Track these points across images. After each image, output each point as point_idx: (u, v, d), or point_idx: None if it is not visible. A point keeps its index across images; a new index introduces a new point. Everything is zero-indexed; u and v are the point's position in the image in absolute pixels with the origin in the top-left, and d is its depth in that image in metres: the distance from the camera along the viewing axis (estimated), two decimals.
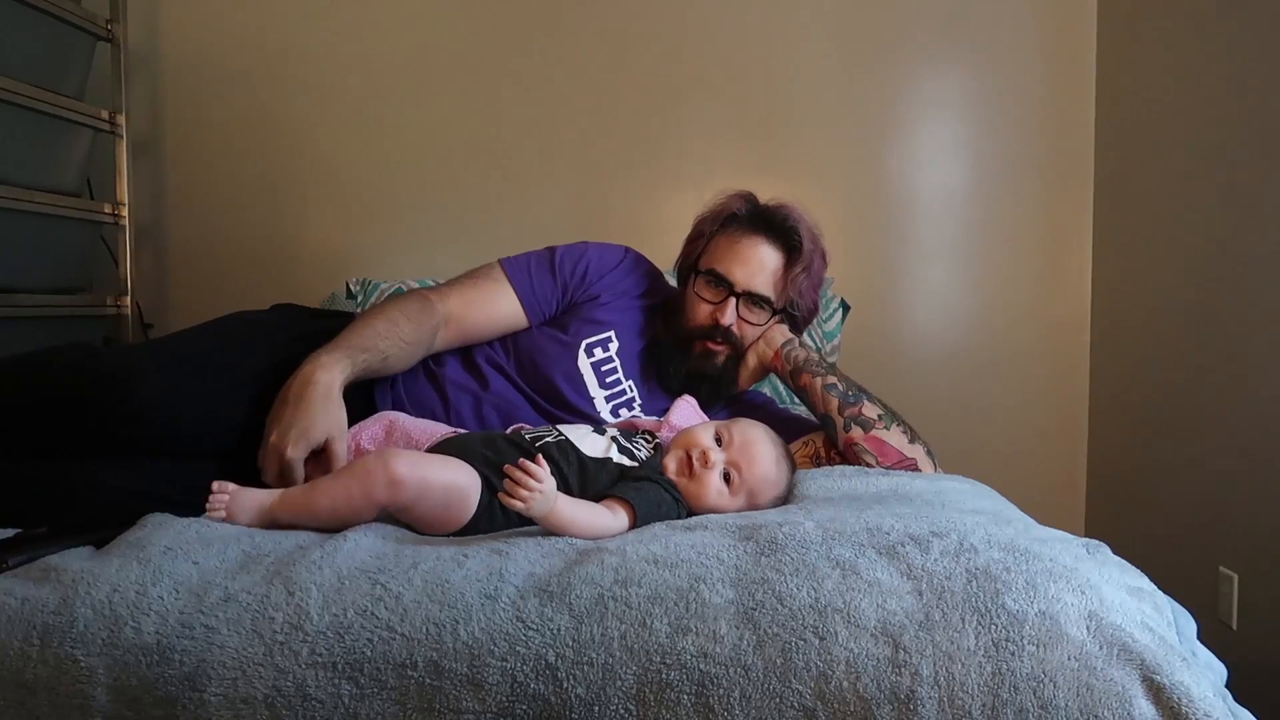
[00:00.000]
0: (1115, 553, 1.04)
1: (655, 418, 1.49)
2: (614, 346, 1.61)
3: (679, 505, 1.18)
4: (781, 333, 1.64)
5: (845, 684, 0.83)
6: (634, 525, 1.10)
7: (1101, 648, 0.85)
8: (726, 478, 1.21)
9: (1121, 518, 2.53)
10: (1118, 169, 2.54)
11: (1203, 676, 0.86)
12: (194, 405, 1.31)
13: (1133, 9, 2.47)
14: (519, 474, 1.00)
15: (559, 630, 0.88)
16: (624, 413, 1.58)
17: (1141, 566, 1.02)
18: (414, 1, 2.65)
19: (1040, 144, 2.64)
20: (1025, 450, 2.67)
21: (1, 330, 2.17)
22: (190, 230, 2.72)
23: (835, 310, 2.24)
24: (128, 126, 2.53)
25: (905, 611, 0.88)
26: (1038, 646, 0.85)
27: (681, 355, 1.60)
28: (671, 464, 1.21)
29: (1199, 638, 0.99)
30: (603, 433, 1.26)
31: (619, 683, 0.85)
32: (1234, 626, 2.01)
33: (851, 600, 0.89)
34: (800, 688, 0.84)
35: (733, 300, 1.59)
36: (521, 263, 1.64)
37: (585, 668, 0.85)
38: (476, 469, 1.12)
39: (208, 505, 1.08)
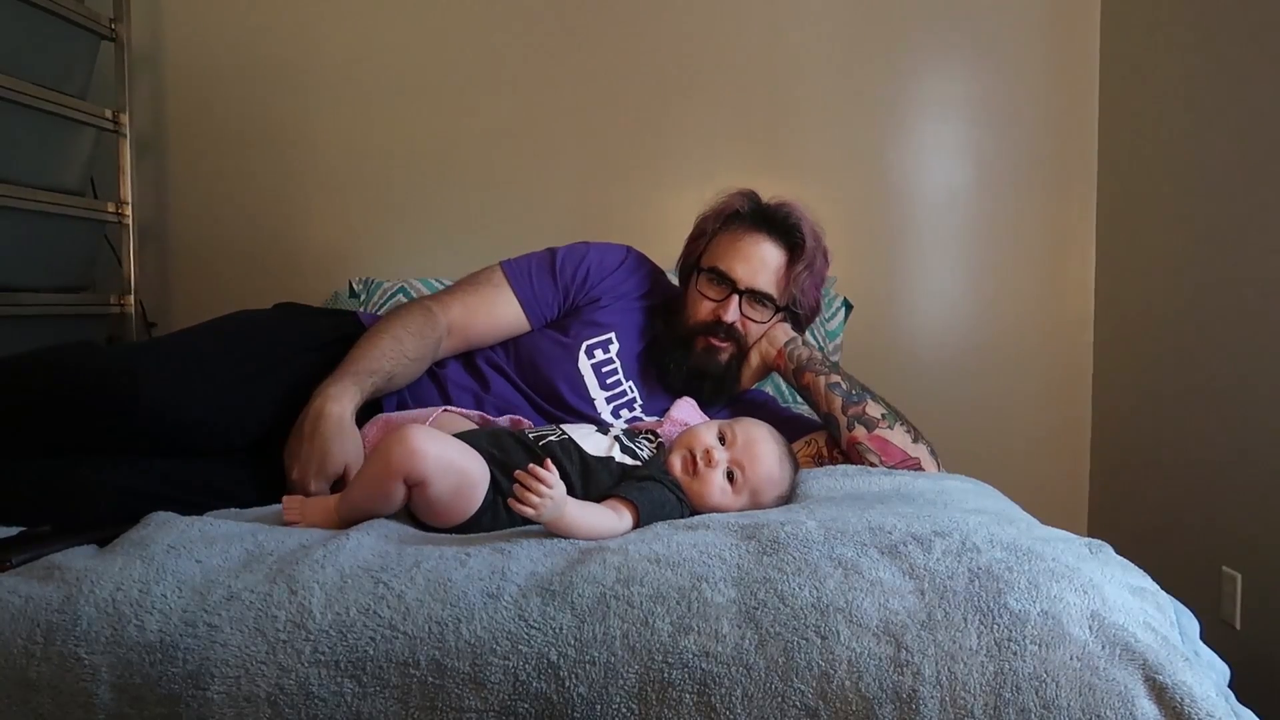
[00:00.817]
0: (1118, 552, 1.04)
1: (656, 417, 1.49)
2: (615, 348, 1.61)
3: (682, 504, 1.18)
4: (784, 331, 1.64)
5: (847, 683, 0.84)
6: (637, 525, 1.10)
7: (1104, 647, 0.85)
8: (730, 477, 1.21)
9: (1124, 517, 2.52)
10: (1121, 168, 2.54)
11: (1205, 676, 0.86)
12: (198, 404, 1.32)
13: (1136, 7, 2.47)
14: (529, 479, 1.00)
15: (561, 629, 0.88)
16: (625, 414, 1.58)
17: (1144, 566, 1.02)
18: (417, 2, 2.65)
19: (1044, 143, 2.63)
20: (1028, 450, 2.67)
21: (4, 329, 2.17)
22: (193, 229, 2.71)
23: (838, 309, 2.24)
24: (131, 125, 2.53)
25: (907, 611, 0.88)
26: (1040, 646, 0.84)
27: (684, 352, 1.60)
28: (676, 462, 1.21)
29: (1202, 637, 0.99)
30: (605, 432, 1.26)
31: (621, 681, 0.85)
32: (1237, 626, 2.01)
33: (854, 599, 0.89)
34: (802, 687, 0.84)
35: (735, 298, 1.59)
36: (522, 266, 1.64)
37: (587, 666, 0.86)
38: None
39: (283, 510, 1.15)
